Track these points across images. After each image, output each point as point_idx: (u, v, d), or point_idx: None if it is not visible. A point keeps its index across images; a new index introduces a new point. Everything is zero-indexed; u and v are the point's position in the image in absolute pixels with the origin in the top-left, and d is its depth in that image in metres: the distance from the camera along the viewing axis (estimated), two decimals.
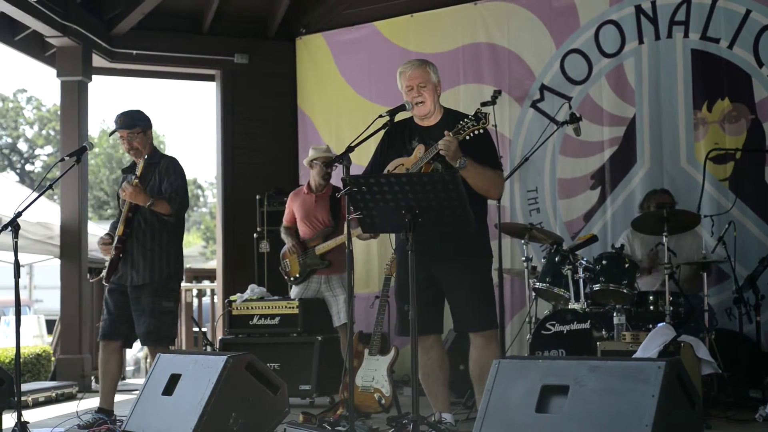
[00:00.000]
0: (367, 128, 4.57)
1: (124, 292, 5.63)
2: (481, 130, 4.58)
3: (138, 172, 5.50)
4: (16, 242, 5.08)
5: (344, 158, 4.47)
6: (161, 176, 5.63)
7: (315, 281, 6.79)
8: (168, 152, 7.35)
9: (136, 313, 5.59)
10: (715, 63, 7.16)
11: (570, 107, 7.09)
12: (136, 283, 5.59)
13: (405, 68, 4.84)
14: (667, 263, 5.85)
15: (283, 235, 7.01)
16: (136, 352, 16.80)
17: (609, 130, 7.54)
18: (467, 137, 4.56)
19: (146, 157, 5.62)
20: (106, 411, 5.58)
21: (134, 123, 5.69)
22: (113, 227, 5.82)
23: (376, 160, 4.92)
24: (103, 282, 5.73)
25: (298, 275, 6.82)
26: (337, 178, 5.83)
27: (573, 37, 7.73)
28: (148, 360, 11.26)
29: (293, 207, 6.97)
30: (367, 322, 6.83)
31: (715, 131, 7.14)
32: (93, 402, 6.43)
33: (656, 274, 6.49)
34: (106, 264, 5.69)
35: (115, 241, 5.60)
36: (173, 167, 5.69)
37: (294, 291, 6.91)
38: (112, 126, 5.75)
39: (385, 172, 4.70)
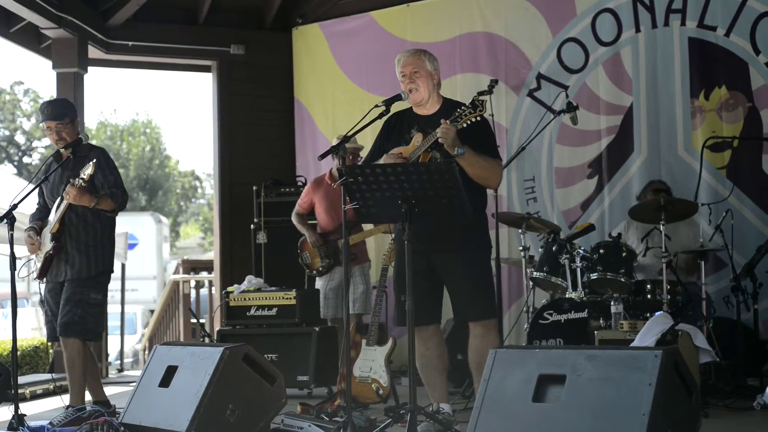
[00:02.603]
0: (363, 118, 4.58)
1: (61, 291, 5.53)
2: (479, 118, 4.57)
3: (86, 176, 5.22)
4: (12, 234, 5.07)
5: (340, 149, 4.47)
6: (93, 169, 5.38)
7: (338, 272, 6.75)
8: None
9: (62, 302, 5.45)
10: (712, 51, 7.14)
11: (567, 96, 7.09)
12: (70, 277, 5.47)
13: (400, 56, 4.86)
14: (664, 251, 5.84)
15: (296, 223, 6.96)
16: (134, 344, 16.82)
17: (606, 119, 7.53)
18: (465, 125, 4.55)
19: (95, 161, 5.27)
20: (102, 403, 5.57)
21: (63, 113, 5.54)
22: (35, 219, 5.68)
23: (375, 151, 4.91)
24: (34, 278, 5.61)
25: (321, 268, 6.84)
26: None
27: (569, 26, 7.71)
28: (146, 352, 11.26)
29: (314, 196, 6.93)
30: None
31: (712, 119, 7.13)
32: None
33: (654, 262, 6.48)
34: (37, 261, 5.57)
35: (51, 239, 5.45)
36: (105, 160, 5.51)
37: (319, 283, 6.95)
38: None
39: (382, 160, 4.69)
